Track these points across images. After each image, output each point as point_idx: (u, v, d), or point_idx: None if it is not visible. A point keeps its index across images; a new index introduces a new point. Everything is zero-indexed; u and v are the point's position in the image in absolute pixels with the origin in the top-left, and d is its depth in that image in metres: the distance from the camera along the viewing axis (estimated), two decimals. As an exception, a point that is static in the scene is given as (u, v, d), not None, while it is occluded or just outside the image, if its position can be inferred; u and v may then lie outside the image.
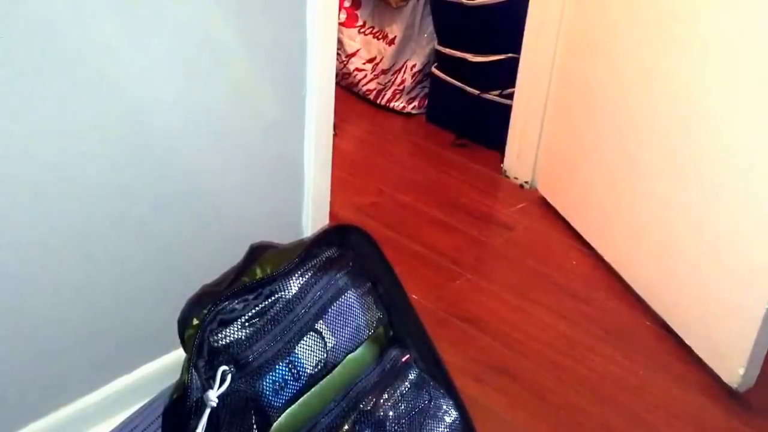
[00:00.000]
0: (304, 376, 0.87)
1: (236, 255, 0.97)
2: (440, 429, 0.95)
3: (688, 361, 1.72)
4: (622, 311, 1.87)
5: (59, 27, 1.07)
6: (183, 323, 0.89)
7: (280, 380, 0.85)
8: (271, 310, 0.86)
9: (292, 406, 0.87)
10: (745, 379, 1.60)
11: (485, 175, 2.45)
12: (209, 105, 1.31)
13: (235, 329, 0.84)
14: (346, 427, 0.88)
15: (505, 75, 2.42)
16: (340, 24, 2.85)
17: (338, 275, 0.92)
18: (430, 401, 0.96)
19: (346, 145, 2.58)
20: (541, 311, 1.84)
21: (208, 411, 0.79)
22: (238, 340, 0.84)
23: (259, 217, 1.48)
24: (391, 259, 0.99)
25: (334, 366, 0.91)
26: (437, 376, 0.99)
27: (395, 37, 2.81)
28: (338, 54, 2.83)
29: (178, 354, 0.95)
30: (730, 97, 1.57)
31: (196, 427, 0.79)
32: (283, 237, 1.05)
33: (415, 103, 2.86)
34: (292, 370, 0.86)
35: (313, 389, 0.89)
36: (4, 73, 1.04)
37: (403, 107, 2.85)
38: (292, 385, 0.86)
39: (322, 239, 0.92)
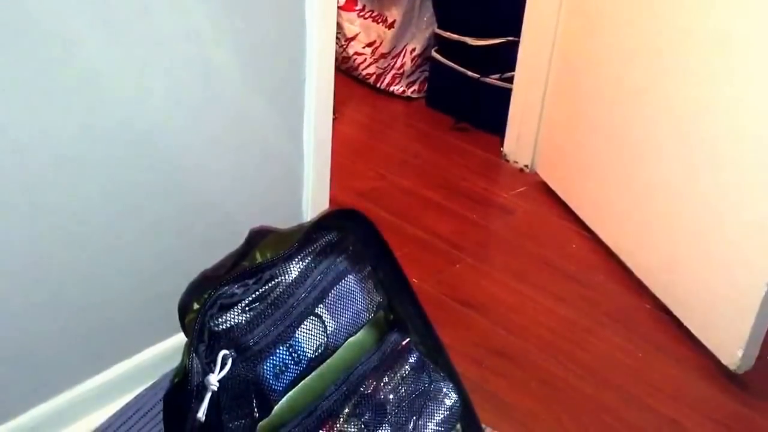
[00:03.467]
0: (304, 360, 0.87)
1: (236, 240, 0.97)
2: (440, 411, 0.95)
3: (688, 343, 1.72)
4: (622, 294, 1.87)
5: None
6: (183, 308, 0.89)
7: (281, 364, 0.86)
8: (272, 295, 0.86)
9: (293, 390, 0.87)
10: (744, 361, 1.61)
11: (485, 159, 2.45)
12: (208, 90, 1.31)
13: (236, 314, 0.84)
14: (346, 410, 0.88)
15: (505, 58, 2.42)
16: (340, 8, 2.84)
17: (338, 259, 0.92)
18: (430, 384, 0.96)
19: (345, 129, 2.57)
20: (541, 295, 1.84)
21: (209, 395, 0.80)
22: (238, 325, 0.84)
23: (258, 201, 1.48)
24: (391, 243, 0.99)
25: (335, 350, 0.91)
26: (437, 359, 1.00)
27: (395, 20, 2.80)
28: (337, 38, 2.82)
29: (179, 339, 0.95)
30: (733, 78, 1.57)
31: (197, 411, 0.79)
32: (282, 221, 1.05)
33: (415, 87, 2.85)
34: (293, 354, 0.86)
35: (313, 373, 0.89)
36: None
37: (403, 91, 2.85)
38: (293, 369, 0.87)
39: (322, 224, 0.92)
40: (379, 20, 2.84)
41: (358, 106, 2.79)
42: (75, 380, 1.30)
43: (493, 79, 2.54)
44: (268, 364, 0.85)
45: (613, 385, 1.59)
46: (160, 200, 1.31)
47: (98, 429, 1.19)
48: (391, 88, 2.86)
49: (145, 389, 1.21)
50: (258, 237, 0.94)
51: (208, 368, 0.81)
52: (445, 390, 0.97)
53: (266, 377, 0.85)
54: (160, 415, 0.88)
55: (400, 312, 0.99)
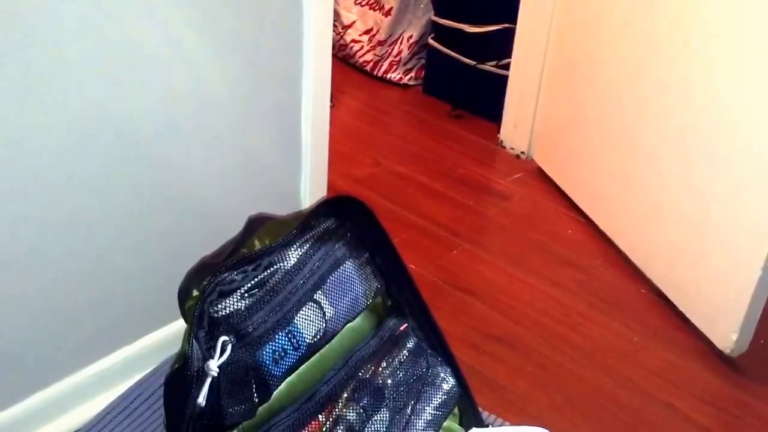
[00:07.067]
0: (303, 345, 0.88)
1: (235, 227, 0.97)
2: (438, 396, 0.96)
3: (682, 327, 1.74)
4: (618, 279, 1.89)
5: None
6: (183, 294, 0.90)
7: (280, 350, 0.86)
8: (270, 281, 0.87)
9: (292, 375, 0.88)
10: (738, 345, 1.62)
11: (482, 146, 2.46)
12: (205, 80, 1.31)
13: (235, 300, 0.85)
14: (345, 394, 0.89)
15: (502, 45, 2.42)
16: (336, -5, 2.84)
17: (336, 246, 0.93)
18: (428, 369, 0.97)
19: (343, 116, 2.58)
20: (538, 280, 1.86)
21: (209, 380, 0.80)
22: (237, 311, 0.84)
23: (257, 189, 1.48)
24: (389, 230, 0.99)
25: (333, 335, 0.91)
26: (435, 344, 1.00)
27: (391, 8, 2.80)
28: (335, 25, 2.81)
29: (179, 325, 0.96)
30: (729, 64, 1.57)
31: (197, 396, 0.79)
32: (281, 209, 1.06)
33: (412, 74, 2.85)
34: (292, 340, 0.87)
35: (312, 359, 0.89)
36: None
37: (400, 78, 2.85)
38: (292, 354, 0.87)
39: (320, 211, 0.93)
40: (376, 7, 2.84)
41: (355, 94, 2.79)
42: (77, 366, 1.31)
43: (489, 66, 2.54)
44: (267, 349, 0.85)
45: (609, 368, 1.61)
46: (159, 190, 1.31)
47: (100, 414, 1.19)
48: (388, 76, 2.86)
49: (146, 375, 1.21)
50: (256, 224, 0.94)
51: (208, 354, 0.82)
52: (442, 375, 0.98)
53: (265, 363, 0.85)
54: (161, 401, 0.89)
55: (398, 298, 0.99)
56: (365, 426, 0.87)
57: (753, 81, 1.51)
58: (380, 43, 2.85)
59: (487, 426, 1.06)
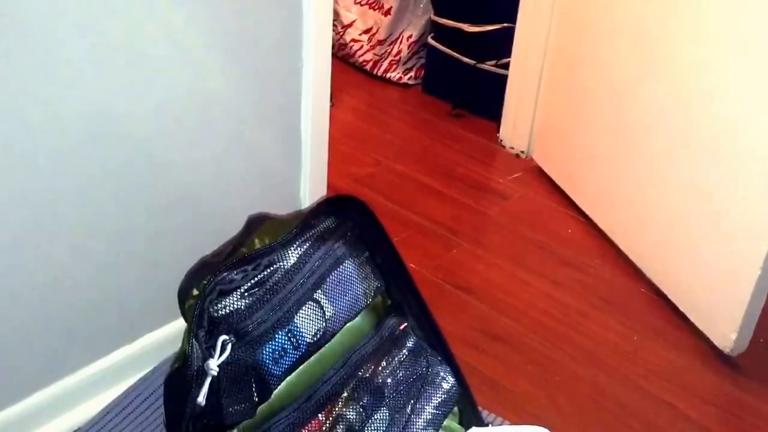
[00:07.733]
0: (303, 344, 0.88)
1: (235, 227, 0.97)
2: (438, 395, 0.96)
3: (682, 326, 1.74)
4: (617, 278, 1.89)
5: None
6: (183, 294, 0.90)
7: (280, 349, 0.86)
8: (270, 280, 0.87)
9: (292, 375, 0.88)
10: (738, 344, 1.62)
11: (481, 145, 2.46)
12: (206, 77, 1.31)
13: (235, 299, 0.85)
14: (345, 394, 0.89)
15: (501, 45, 2.42)
16: (336, -6, 2.84)
17: (336, 245, 0.93)
18: (427, 368, 0.97)
19: (343, 116, 2.58)
20: (537, 279, 1.86)
21: (209, 380, 0.80)
22: (237, 310, 0.84)
23: (257, 188, 1.48)
24: (389, 229, 1.00)
25: (333, 335, 0.92)
26: (435, 343, 1.00)
27: (391, 7, 2.80)
28: (334, 25, 2.82)
29: (179, 324, 0.96)
30: (728, 65, 1.58)
31: (197, 396, 0.80)
32: (281, 208, 1.06)
33: (412, 73, 2.86)
34: (292, 339, 0.87)
35: (312, 358, 0.90)
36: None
37: (400, 78, 2.85)
38: (292, 353, 0.87)
39: (320, 210, 0.93)
40: (376, 7, 2.84)
41: (354, 93, 2.79)
42: (78, 365, 1.31)
43: (489, 66, 2.54)
44: (267, 349, 0.85)
45: (608, 367, 1.61)
46: (159, 190, 1.31)
47: (100, 413, 1.20)
48: (388, 75, 2.86)
49: (146, 374, 1.22)
50: (256, 224, 0.94)
51: (208, 353, 0.82)
52: (442, 374, 0.98)
53: (265, 362, 0.85)
54: (161, 400, 0.89)
55: (398, 297, 0.99)
56: (365, 425, 0.87)
57: (753, 80, 1.51)
58: (380, 43, 2.85)
59: (487, 425, 1.06)
